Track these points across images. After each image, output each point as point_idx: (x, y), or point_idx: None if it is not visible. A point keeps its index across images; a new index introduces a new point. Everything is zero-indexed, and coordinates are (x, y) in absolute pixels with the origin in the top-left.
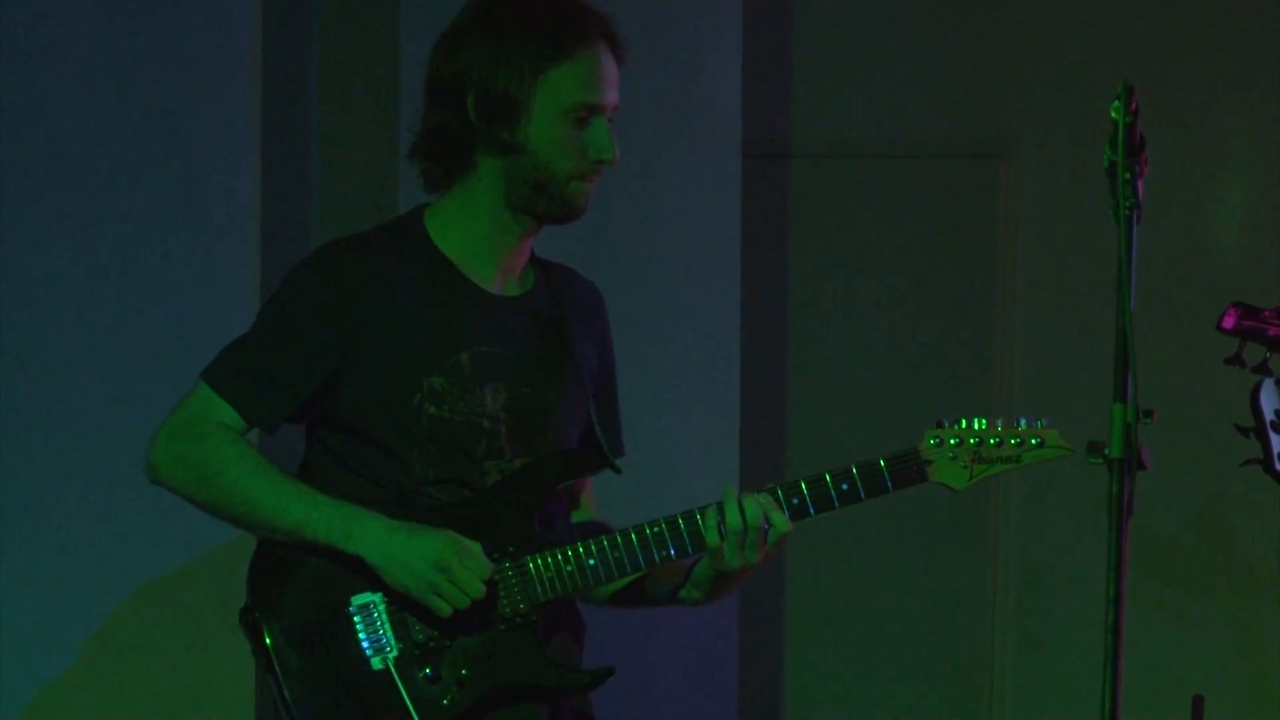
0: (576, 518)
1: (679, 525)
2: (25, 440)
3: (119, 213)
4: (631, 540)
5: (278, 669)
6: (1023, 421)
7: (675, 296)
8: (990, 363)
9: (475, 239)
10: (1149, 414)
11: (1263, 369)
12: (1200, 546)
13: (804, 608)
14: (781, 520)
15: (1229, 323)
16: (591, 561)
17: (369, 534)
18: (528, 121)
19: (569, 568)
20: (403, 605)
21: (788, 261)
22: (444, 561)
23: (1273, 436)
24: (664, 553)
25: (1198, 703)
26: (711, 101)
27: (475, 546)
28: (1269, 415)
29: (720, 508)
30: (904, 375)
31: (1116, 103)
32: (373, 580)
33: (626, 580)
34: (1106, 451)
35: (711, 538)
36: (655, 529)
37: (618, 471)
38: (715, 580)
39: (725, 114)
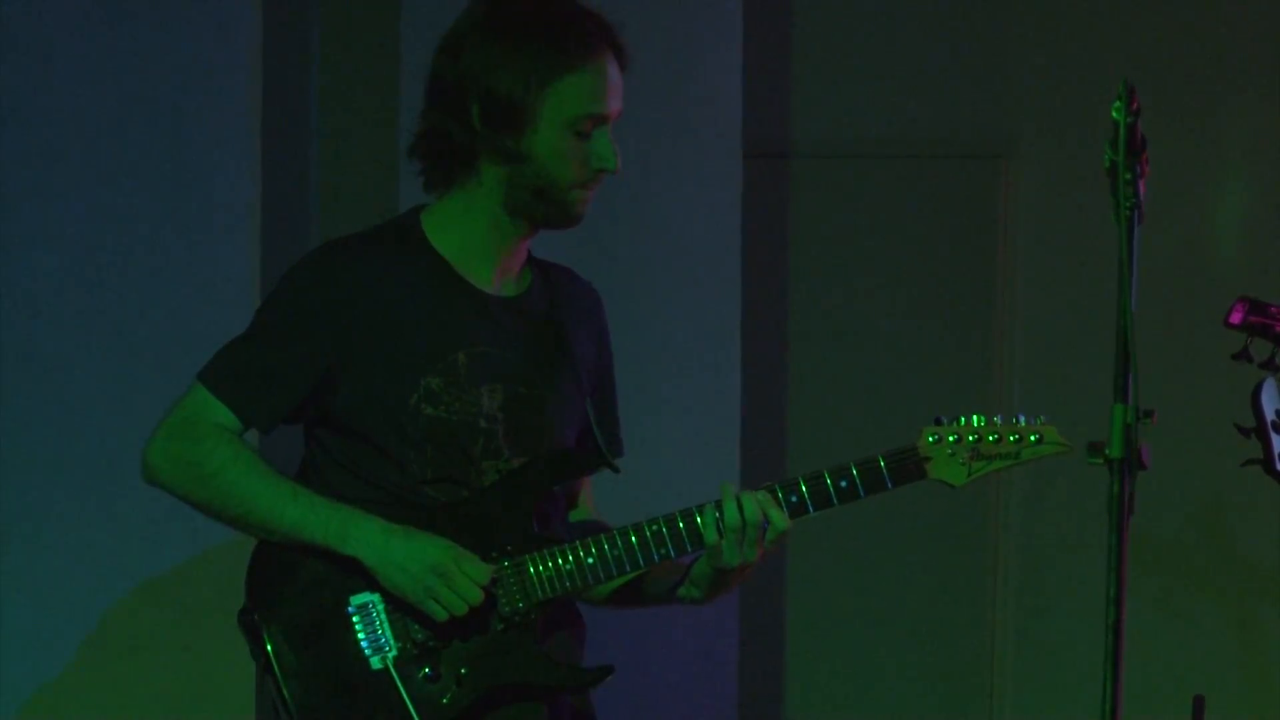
0: (575, 517)
1: (677, 523)
2: (25, 440)
3: (119, 213)
4: (630, 539)
5: (277, 669)
6: (1021, 418)
7: (675, 296)
8: (990, 363)
9: (472, 240)
10: (1149, 414)
11: (1270, 365)
12: (1200, 546)
13: (804, 607)
14: (780, 518)
15: (1236, 318)
16: (590, 560)
17: (365, 536)
18: (533, 130)
19: (568, 567)
20: (401, 605)
21: (788, 261)
22: (441, 566)
23: (1273, 436)
24: (663, 551)
25: (1198, 703)
26: (711, 101)
27: (472, 556)
28: (1269, 415)
29: (719, 505)
30: (904, 375)
31: (1117, 103)
32: (371, 580)
33: (625, 579)
34: (1107, 451)
35: (710, 535)
36: (654, 527)
37: (616, 471)
38: (714, 578)
39: (725, 114)
